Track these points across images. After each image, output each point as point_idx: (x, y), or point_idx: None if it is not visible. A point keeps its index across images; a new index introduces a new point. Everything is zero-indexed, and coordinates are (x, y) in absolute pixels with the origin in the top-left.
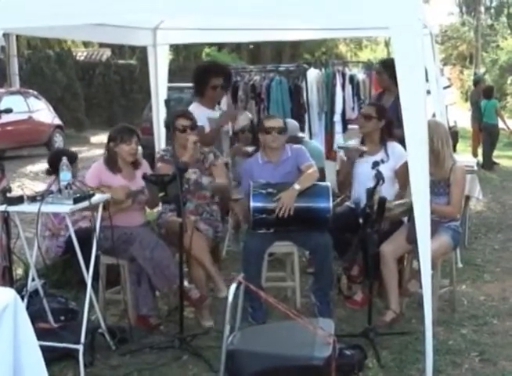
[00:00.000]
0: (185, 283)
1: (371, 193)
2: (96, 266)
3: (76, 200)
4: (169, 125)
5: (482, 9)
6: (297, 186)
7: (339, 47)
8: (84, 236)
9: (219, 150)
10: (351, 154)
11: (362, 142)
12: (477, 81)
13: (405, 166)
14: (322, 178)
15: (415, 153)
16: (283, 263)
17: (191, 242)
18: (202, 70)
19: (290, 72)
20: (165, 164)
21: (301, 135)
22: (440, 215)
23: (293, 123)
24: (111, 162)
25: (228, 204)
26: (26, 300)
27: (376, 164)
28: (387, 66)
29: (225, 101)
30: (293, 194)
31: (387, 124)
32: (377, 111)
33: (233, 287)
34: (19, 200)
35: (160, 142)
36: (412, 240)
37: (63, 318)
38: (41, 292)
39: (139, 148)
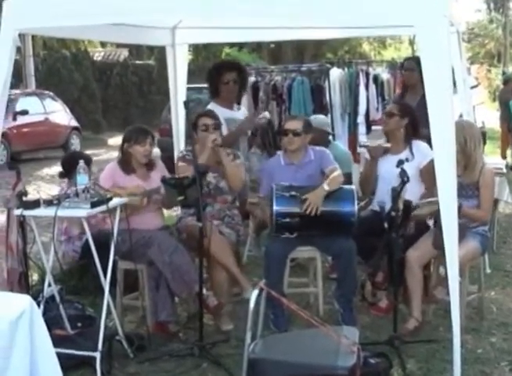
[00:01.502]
0: (204, 289)
1: (397, 194)
2: (114, 272)
3: (93, 204)
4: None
5: (511, 5)
6: (326, 187)
7: (362, 46)
8: (102, 240)
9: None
10: (374, 152)
11: (387, 142)
12: (506, 80)
13: (430, 165)
14: (349, 183)
15: (442, 153)
16: (306, 269)
17: (213, 245)
18: (213, 68)
19: (312, 72)
20: (186, 163)
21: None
22: (470, 218)
23: (321, 118)
24: (125, 163)
25: (246, 206)
26: (42, 306)
27: (400, 163)
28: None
29: (245, 102)
30: (322, 194)
31: (411, 122)
32: (400, 109)
33: (255, 293)
34: (35, 204)
35: (180, 144)
36: (438, 245)
37: (79, 325)
38: (58, 298)
39: (156, 150)
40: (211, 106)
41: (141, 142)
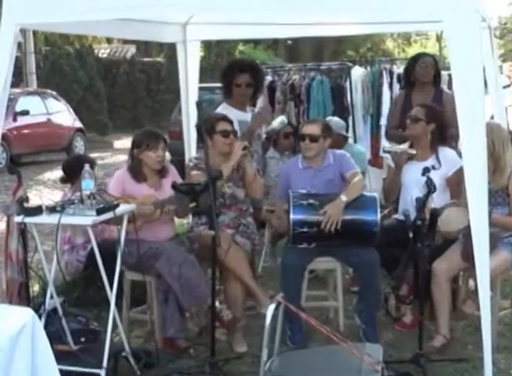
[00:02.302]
0: (216, 302)
1: (422, 203)
2: (120, 283)
3: (99, 211)
4: (201, 128)
5: None
6: (344, 198)
7: (386, 43)
8: (108, 250)
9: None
10: (398, 159)
11: (411, 147)
12: None
13: (458, 174)
14: None
15: (472, 158)
16: (325, 281)
17: (228, 255)
18: (226, 68)
19: (333, 71)
20: (201, 171)
21: (346, 134)
22: (501, 227)
23: (337, 120)
24: (135, 170)
25: (262, 215)
26: (43, 320)
27: (426, 171)
28: (436, 61)
29: (261, 103)
30: (340, 206)
31: (438, 127)
32: (427, 113)
33: (272, 307)
34: (37, 210)
35: (191, 147)
36: (468, 256)
37: (83, 339)
38: (60, 311)
39: (167, 154)
40: (224, 107)
41: (153, 147)
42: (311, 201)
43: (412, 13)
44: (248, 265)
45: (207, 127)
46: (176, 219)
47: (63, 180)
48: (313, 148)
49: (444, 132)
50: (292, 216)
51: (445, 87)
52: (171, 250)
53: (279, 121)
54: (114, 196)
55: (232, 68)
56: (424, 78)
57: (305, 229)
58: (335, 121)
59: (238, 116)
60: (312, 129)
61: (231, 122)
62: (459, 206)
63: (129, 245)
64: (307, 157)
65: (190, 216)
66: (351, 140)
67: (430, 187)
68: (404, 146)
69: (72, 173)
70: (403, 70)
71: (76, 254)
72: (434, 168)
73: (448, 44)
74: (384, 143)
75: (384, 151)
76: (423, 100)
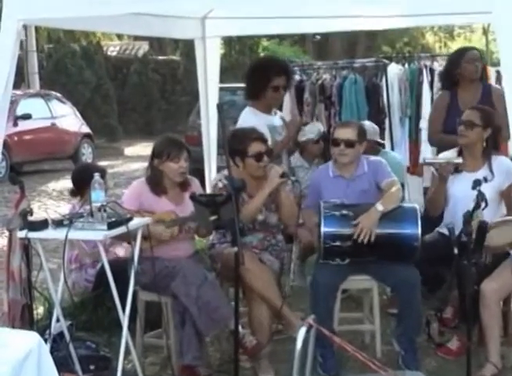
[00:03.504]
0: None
1: (469, 216)
2: (134, 304)
3: (111, 225)
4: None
5: None
6: (380, 207)
7: (425, 37)
8: (119, 268)
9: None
10: (443, 170)
11: (460, 155)
12: None
13: None
14: None
15: None
16: (360, 302)
17: (253, 276)
18: (260, 68)
19: (367, 69)
20: None
21: (379, 140)
22: None
23: (370, 126)
24: (155, 182)
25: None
26: (49, 345)
27: (477, 184)
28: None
29: (287, 106)
30: (375, 216)
31: (494, 132)
32: (482, 117)
33: (302, 331)
34: (42, 224)
35: (211, 155)
36: None
37: (92, 367)
38: (67, 335)
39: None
40: (250, 111)
41: (175, 157)
42: (344, 212)
43: (456, 4)
44: (276, 286)
45: (237, 148)
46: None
47: (73, 193)
48: (348, 154)
49: (497, 137)
50: (323, 229)
51: (492, 82)
52: (188, 268)
53: (315, 131)
54: (130, 210)
55: (269, 69)
56: (473, 75)
57: (338, 243)
58: (367, 125)
59: (267, 121)
60: (348, 133)
61: (265, 141)
62: None
63: (143, 263)
64: (341, 163)
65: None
66: (387, 146)
67: (481, 203)
68: (448, 154)
69: (81, 184)
70: (445, 67)
71: (84, 274)
72: (486, 180)
73: (497, 37)
74: (425, 150)
75: (425, 163)
76: (472, 100)
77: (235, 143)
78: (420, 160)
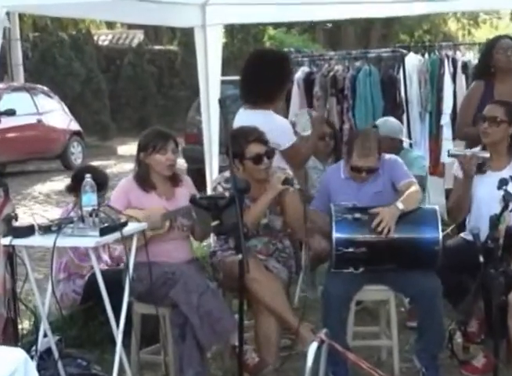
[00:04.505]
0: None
1: (496, 220)
2: (128, 318)
3: (103, 231)
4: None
5: None
6: (400, 205)
7: (447, 24)
8: (111, 278)
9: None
10: (468, 164)
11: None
12: None
13: None
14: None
15: None
16: (376, 314)
17: (259, 285)
18: (286, 60)
19: (382, 59)
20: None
21: (406, 140)
22: None
23: (395, 123)
24: (142, 178)
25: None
26: (35, 362)
27: (503, 183)
28: None
29: (296, 100)
30: (396, 213)
31: None
32: (507, 112)
33: (313, 346)
34: (28, 231)
35: (212, 154)
36: None
37: None
38: (56, 352)
39: (182, 162)
40: (275, 118)
41: (161, 149)
42: (357, 216)
43: None
44: (285, 297)
45: (235, 150)
46: (192, 240)
47: (69, 189)
48: (369, 178)
49: None
50: (335, 234)
51: None
52: (189, 275)
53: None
54: (117, 210)
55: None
56: (507, 65)
57: (351, 250)
58: (390, 123)
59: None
60: (370, 162)
61: (265, 141)
62: None
63: (138, 269)
64: (359, 178)
65: (212, 237)
66: (406, 144)
67: (508, 203)
68: (476, 150)
69: (81, 182)
70: (478, 60)
71: (73, 284)
72: None
73: None
74: (447, 149)
75: (450, 155)
76: (510, 92)
77: (233, 145)
78: (441, 157)
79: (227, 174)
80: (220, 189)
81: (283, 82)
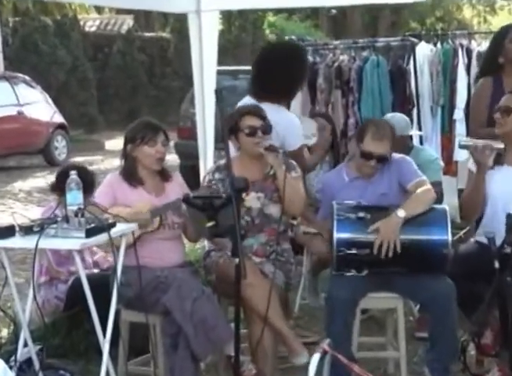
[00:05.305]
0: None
1: None
2: (116, 326)
3: (90, 232)
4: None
5: None
6: (401, 213)
7: (462, 10)
8: (95, 283)
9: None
10: (481, 156)
11: None
12: None
13: None
14: (439, 199)
15: None
16: (382, 324)
17: (252, 292)
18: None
19: (391, 49)
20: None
21: (415, 132)
22: None
23: (401, 118)
24: (129, 172)
25: (299, 237)
26: (14, 373)
27: None
28: None
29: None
30: (396, 224)
31: None
32: None
33: (316, 358)
34: (7, 231)
35: (207, 150)
36: None
37: None
38: (37, 362)
39: (175, 157)
40: (292, 117)
41: (149, 140)
42: (361, 215)
43: None
44: (279, 303)
45: (230, 125)
46: (185, 242)
47: (53, 188)
48: (378, 168)
49: None
50: (336, 234)
51: None
52: (183, 279)
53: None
54: (102, 207)
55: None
56: None
57: (354, 251)
58: (398, 118)
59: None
60: (382, 148)
61: (262, 116)
62: None
63: (127, 273)
64: (365, 175)
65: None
66: (416, 141)
67: None
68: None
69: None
70: (487, 49)
71: (55, 290)
72: None
73: None
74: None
75: (461, 146)
76: None
77: (229, 121)
78: (454, 155)
79: (222, 162)
80: (208, 178)
81: (302, 78)
